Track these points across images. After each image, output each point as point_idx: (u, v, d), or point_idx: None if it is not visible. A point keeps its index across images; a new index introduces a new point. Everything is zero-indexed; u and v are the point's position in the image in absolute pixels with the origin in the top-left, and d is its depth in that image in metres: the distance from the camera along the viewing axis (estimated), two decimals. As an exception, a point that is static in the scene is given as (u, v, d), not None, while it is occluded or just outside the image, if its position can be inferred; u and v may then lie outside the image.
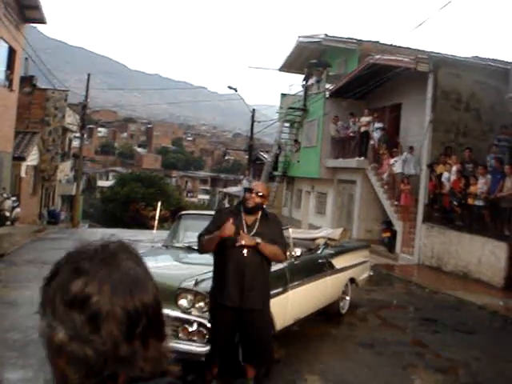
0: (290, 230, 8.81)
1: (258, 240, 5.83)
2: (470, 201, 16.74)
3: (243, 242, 5.75)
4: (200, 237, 6.07)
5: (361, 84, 23.38)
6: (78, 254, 1.23)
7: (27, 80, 31.65)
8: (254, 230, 5.98)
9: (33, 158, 30.29)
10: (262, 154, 44.55)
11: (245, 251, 5.84)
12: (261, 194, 6.01)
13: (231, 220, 5.69)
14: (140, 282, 1.23)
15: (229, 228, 5.65)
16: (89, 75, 34.68)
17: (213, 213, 7.18)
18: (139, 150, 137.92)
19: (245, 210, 6.06)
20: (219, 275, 5.98)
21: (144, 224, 44.69)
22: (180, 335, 6.45)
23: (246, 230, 5.95)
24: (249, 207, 6.01)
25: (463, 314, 12.18)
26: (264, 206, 6.21)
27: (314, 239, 10.51)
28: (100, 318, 1.12)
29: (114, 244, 1.26)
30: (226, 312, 5.90)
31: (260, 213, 6.11)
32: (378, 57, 21.69)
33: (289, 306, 7.89)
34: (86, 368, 1.11)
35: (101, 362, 1.11)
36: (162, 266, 7.83)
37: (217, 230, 5.83)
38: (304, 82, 31.44)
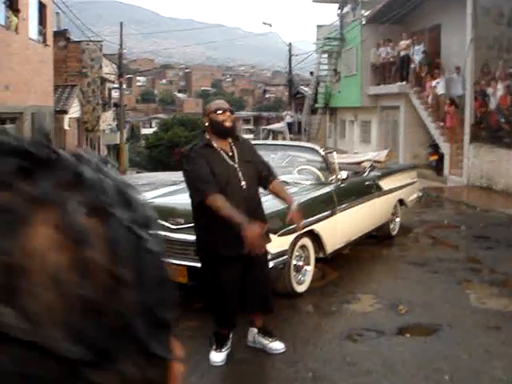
0: (335, 153, 8.74)
1: (301, 223, 5.36)
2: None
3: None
4: (207, 194, 4.89)
5: (397, 7, 22.83)
6: None
7: (61, 34, 31.63)
8: (237, 159, 5.13)
9: (74, 111, 30.52)
10: (302, 88, 44.11)
11: (243, 183, 5.07)
12: (231, 110, 5.24)
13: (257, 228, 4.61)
14: None
15: (257, 240, 4.62)
16: (121, 23, 34.62)
17: (255, 142, 6.86)
18: (179, 95, 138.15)
19: (218, 134, 5.15)
20: (215, 223, 4.86)
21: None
22: None
23: (228, 159, 5.11)
24: (228, 128, 5.13)
25: (516, 229, 12.03)
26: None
27: (359, 163, 10.40)
28: None
29: None
30: (232, 265, 5.07)
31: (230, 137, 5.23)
32: (414, -24, 21.09)
33: (338, 228, 7.88)
34: None
35: None
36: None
37: (212, 175, 4.93)
38: (339, 11, 30.86)
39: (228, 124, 5.09)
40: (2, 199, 0.46)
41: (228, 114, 5.11)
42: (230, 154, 5.14)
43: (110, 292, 0.46)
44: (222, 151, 5.11)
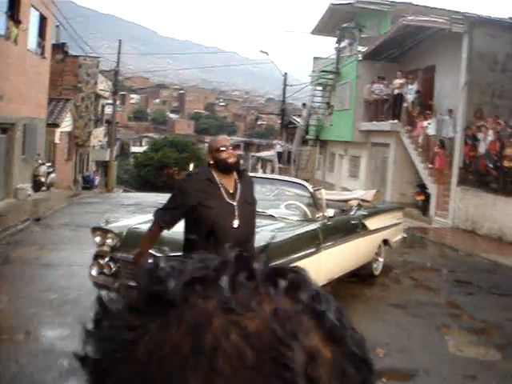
0: (323, 191, 8.79)
1: None
2: (505, 163, 16.51)
3: None
4: (155, 221, 5.13)
5: (394, 46, 23.11)
6: None
7: (59, 47, 31.75)
8: (237, 198, 5.02)
9: (66, 125, 30.54)
10: (294, 118, 44.31)
11: (235, 222, 4.91)
12: (232, 147, 5.15)
13: None
14: None
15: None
16: (120, 41, 34.70)
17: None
18: (172, 115, 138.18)
19: (223, 171, 5.06)
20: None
21: (177, 189, 44.94)
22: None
23: (226, 197, 4.98)
24: (232, 164, 5.05)
25: (498, 276, 12.11)
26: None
27: (347, 200, 10.48)
28: None
29: None
30: None
31: (235, 172, 5.16)
32: (411, 18, 21.37)
33: (322, 266, 7.91)
34: None
35: None
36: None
37: (182, 207, 4.94)
38: (336, 45, 31.15)
39: (231, 160, 5.03)
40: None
41: (231, 150, 5.06)
42: (232, 191, 5.04)
43: None
44: (222, 187, 5.00)
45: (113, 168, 37.12)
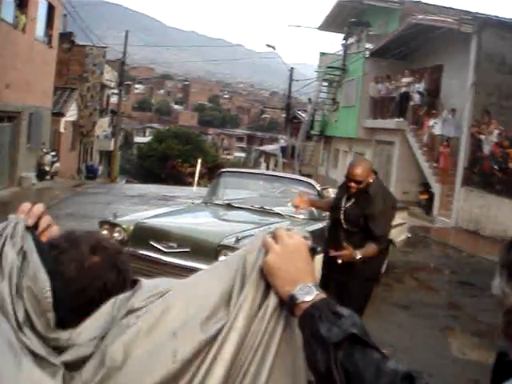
0: (330, 189, 8.81)
1: (358, 256, 5.35)
2: (511, 165, 16.50)
3: (339, 261, 5.41)
4: None
5: (402, 44, 23.06)
6: None
7: (66, 36, 31.68)
8: (343, 207, 5.77)
9: (71, 114, 30.53)
10: (299, 112, 44.31)
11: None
12: (359, 179, 5.62)
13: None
14: None
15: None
16: (127, 32, 34.62)
17: (252, 171, 6.99)
18: (176, 106, 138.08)
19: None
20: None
21: (181, 180, 45.01)
22: None
23: (343, 204, 5.79)
24: (351, 194, 5.75)
25: (501, 278, 12.10)
26: (371, 180, 5.76)
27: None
28: None
29: None
30: None
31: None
32: (420, 17, 21.32)
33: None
34: None
35: None
36: (203, 222, 7.91)
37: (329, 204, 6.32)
38: (344, 41, 31.12)
39: (350, 190, 5.76)
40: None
41: (352, 184, 5.68)
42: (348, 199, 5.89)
43: None
44: (344, 196, 5.94)
45: (116, 158, 37.14)
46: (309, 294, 1.23)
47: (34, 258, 1.30)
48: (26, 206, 1.47)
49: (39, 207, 1.49)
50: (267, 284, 1.27)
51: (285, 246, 1.29)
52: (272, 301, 1.25)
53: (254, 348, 1.21)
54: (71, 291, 1.31)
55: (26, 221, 1.40)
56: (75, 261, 1.36)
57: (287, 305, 1.25)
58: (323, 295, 1.24)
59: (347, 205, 5.78)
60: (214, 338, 1.21)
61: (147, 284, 1.37)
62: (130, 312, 1.27)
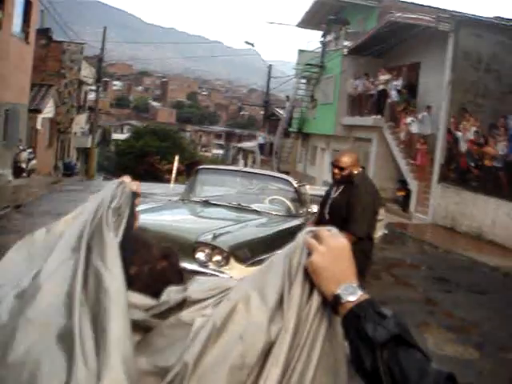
0: (307, 186, 8.85)
1: None
2: (486, 162, 16.64)
3: None
4: None
5: (379, 42, 23.16)
6: None
7: (43, 32, 31.43)
8: (330, 199, 6.36)
9: (48, 111, 30.30)
10: (277, 110, 44.35)
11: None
12: (342, 166, 6.15)
13: None
14: None
15: None
16: (105, 28, 34.48)
17: (230, 168, 7.09)
18: (154, 103, 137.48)
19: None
20: None
21: (158, 177, 44.78)
22: None
23: (331, 196, 6.39)
24: (335, 181, 6.37)
25: (476, 274, 12.24)
26: (356, 172, 6.24)
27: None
28: None
29: None
30: None
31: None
32: (398, 15, 21.42)
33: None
34: None
35: None
36: (180, 219, 7.89)
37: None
38: (322, 39, 31.18)
39: (334, 177, 6.41)
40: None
41: (336, 170, 6.26)
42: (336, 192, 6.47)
43: None
44: (333, 188, 6.58)
45: (94, 155, 36.96)
46: (353, 294, 1.26)
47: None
48: (127, 177, 1.68)
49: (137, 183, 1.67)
50: (311, 284, 1.30)
51: (329, 246, 1.32)
52: (315, 300, 1.29)
53: (300, 346, 1.24)
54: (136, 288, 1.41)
55: (132, 186, 1.60)
56: (148, 263, 1.57)
57: (331, 304, 1.28)
58: (367, 296, 1.27)
59: (334, 195, 6.31)
60: (274, 340, 1.24)
61: (198, 279, 1.47)
62: (190, 304, 1.34)
